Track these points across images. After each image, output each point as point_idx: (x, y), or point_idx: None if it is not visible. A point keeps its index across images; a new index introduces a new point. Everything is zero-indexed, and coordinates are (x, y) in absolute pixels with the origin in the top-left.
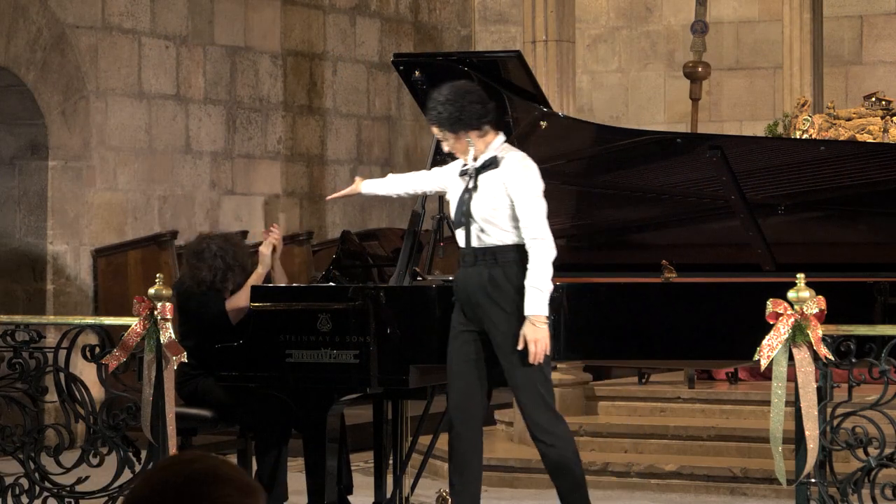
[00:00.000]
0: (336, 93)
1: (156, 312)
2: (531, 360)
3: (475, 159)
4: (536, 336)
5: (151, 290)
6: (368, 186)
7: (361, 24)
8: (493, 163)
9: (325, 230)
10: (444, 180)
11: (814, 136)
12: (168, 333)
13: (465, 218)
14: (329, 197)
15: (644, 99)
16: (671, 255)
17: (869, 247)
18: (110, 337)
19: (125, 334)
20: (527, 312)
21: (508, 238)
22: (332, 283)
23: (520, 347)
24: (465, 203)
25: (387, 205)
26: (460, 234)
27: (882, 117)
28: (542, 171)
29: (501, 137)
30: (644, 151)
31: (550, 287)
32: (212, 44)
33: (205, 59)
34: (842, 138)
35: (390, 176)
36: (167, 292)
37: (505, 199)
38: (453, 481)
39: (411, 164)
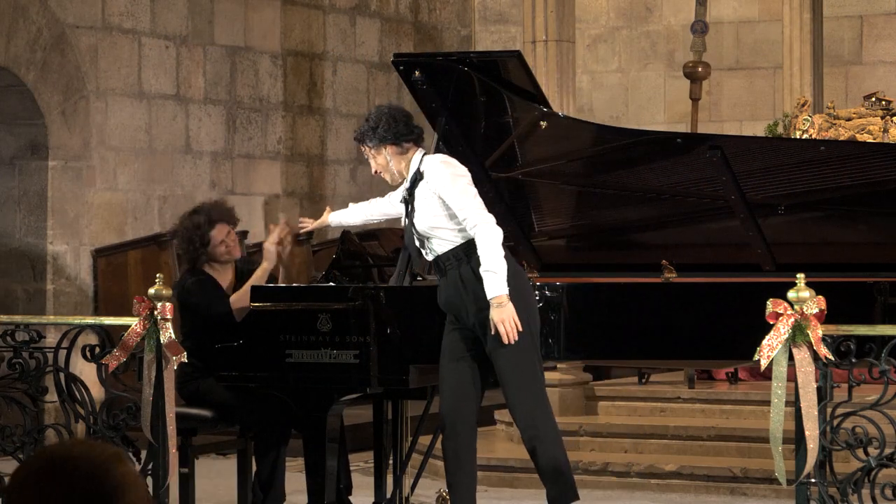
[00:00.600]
0: (336, 93)
1: (156, 312)
2: (504, 340)
3: (402, 178)
4: (502, 316)
5: (151, 290)
6: (336, 217)
7: (361, 24)
8: (419, 176)
9: (325, 230)
10: (398, 206)
11: (814, 136)
12: (168, 333)
13: (415, 236)
14: (302, 230)
15: (644, 99)
16: (671, 255)
17: (869, 247)
18: (110, 337)
19: (125, 334)
20: (488, 296)
21: (459, 237)
22: (332, 283)
23: (492, 333)
24: (412, 225)
25: None
26: (419, 253)
27: (882, 117)
28: (542, 171)
29: (421, 151)
30: (644, 151)
31: (504, 265)
32: (212, 44)
33: (205, 59)
34: (842, 138)
35: (352, 205)
36: (167, 292)
37: (438, 202)
38: (449, 481)
39: None
